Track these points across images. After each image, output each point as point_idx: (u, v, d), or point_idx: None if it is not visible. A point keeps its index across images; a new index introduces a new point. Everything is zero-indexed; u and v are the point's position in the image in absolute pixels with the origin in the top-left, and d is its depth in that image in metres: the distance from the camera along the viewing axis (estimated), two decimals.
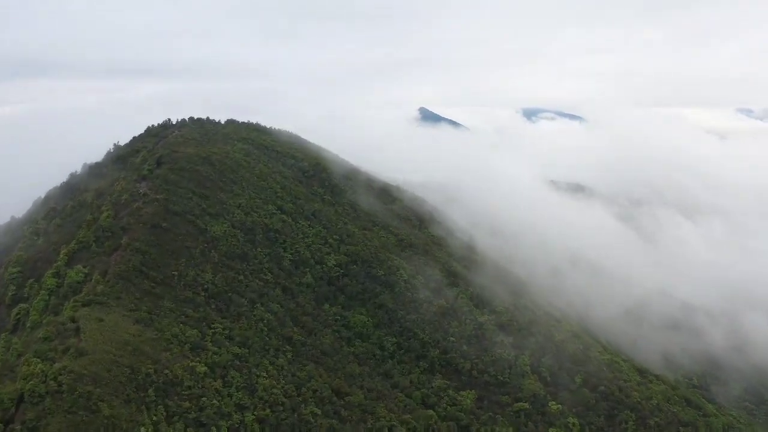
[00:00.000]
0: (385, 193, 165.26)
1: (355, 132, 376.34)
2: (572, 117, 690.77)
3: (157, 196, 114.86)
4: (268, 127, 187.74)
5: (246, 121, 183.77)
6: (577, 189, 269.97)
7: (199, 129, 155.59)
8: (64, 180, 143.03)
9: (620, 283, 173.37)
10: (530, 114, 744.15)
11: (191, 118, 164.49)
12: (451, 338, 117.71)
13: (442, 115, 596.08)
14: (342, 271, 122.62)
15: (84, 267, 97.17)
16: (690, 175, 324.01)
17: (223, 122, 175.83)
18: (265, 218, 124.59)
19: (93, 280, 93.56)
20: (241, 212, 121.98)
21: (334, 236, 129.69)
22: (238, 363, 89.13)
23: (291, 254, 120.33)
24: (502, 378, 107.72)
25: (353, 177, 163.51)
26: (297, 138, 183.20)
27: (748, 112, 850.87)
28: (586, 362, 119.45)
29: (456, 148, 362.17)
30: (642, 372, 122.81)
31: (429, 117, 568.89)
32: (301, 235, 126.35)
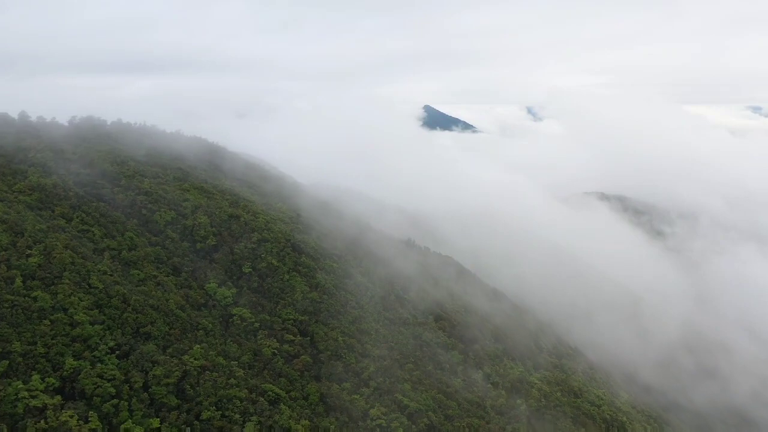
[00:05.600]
0: (388, 274, 78.17)
1: (349, 137, 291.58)
2: (577, 115, 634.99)
3: None
4: (169, 132, 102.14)
5: (120, 121, 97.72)
6: (588, 197, 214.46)
7: None
8: None
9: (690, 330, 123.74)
10: (536, 112, 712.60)
11: None
12: None
13: (447, 114, 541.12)
14: None
15: None
16: (707, 176, 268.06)
17: (66, 124, 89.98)
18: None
19: None
20: None
21: None
22: None
23: None
24: None
25: (317, 242, 76.15)
26: (212, 150, 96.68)
27: (757, 110, 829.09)
28: None
29: (458, 155, 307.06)
30: None
31: (434, 116, 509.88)
32: None
